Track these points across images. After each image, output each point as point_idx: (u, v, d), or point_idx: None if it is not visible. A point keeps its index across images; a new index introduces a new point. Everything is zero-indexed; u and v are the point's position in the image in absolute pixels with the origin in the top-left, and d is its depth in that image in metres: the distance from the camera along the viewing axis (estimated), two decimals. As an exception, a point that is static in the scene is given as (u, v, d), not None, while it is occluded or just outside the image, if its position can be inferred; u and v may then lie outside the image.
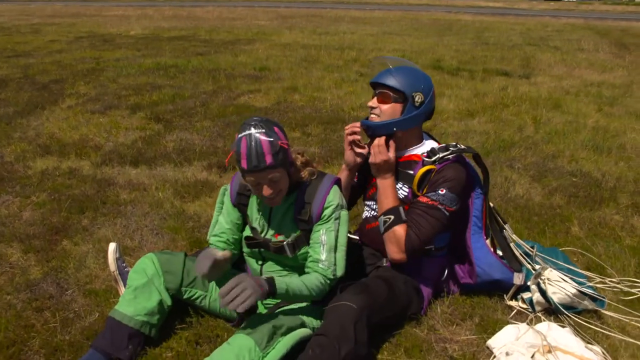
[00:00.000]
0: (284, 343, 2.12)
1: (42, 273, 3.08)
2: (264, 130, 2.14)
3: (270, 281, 2.13)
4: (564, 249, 3.21)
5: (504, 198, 4.12)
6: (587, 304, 2.64)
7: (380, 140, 2.53)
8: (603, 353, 2.33)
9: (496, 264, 2.63)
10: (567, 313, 2.61)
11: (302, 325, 2.28)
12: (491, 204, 2.75)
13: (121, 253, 2.82)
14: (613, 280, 2.91)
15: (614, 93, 8.07)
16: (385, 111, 2.53)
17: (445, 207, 2.46)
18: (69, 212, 3.82)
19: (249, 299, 1.99)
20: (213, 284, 2.56)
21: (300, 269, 2.47)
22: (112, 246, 2.73)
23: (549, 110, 6.91)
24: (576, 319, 2.60)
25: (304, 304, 2.45)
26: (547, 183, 4.46)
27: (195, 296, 2.53)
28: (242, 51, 12.07)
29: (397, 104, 2.52)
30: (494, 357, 2.33)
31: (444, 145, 2.59)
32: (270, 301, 2.40)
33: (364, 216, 2.86)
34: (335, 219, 2.35)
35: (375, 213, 2.72)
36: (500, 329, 2.51)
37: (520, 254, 2.78)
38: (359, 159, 2.72)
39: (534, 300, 2.69)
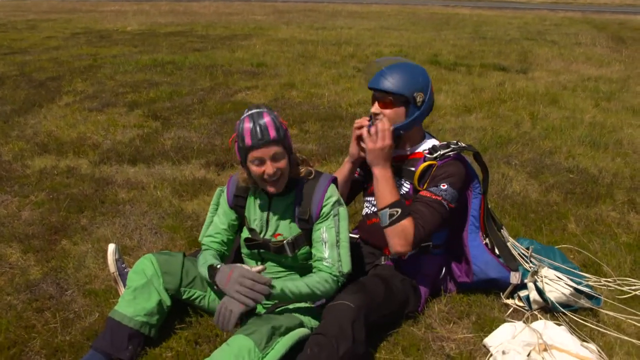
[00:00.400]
0: (283, 343, 2.14)
1: (41, 273, 3.10)
2: (265, 110, 2.24)
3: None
4: (560, 246, 3.23)
5: (500, 195, 4.14)
6: (583, 302, 2.66)
7: (384, 124, 2.47)
8: (598, 351, 2.35)
9: (492, 263, 2.65)
10: (563, 311, 2.63)
11: (301, 325, 2.30)
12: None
13: (120, 254, 2.84)
14: (609, 280, 2.92)
15: (611, 88, 8.08)
16: (389, 116, 2.51)
17: (448, 203, 2.48)
18: (68, 212, 3.83)
19: (231, 316, 2.10)
20: (212, 284, 2.57)
21: (300, 270, 2.49)
22: (111, 247, 2.75)
23: (546, 105, 6.93)
24: (572, 317, 2.62)
25: (302, 304, 2.47)
26: (544, 179, 4.49)
27: (195, 296, 2.54)
28: (239, 47, 12.06)
29: (399, 108, 2.51)
30: (491, 355, 2.36)
31: (445, 142, 2.60)
32: (269, 302, 2.42)
33: (364, 212, 2.88)
34: (334, 216, 2.37)
35: (376, 209, 2.73)
36: (497, 327, 2.53)
37: (518, 253, 2.80)
38: (362, 153, 2.69)
39: (531, 299, 2.71)
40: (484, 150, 5.16)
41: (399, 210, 2.42)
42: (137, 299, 2.40)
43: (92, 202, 3.99)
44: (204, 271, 2.35)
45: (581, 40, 13.70)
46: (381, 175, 2.49)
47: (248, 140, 2.19)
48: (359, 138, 2.63)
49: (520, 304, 2.74)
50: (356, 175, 2.88)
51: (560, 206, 3.98)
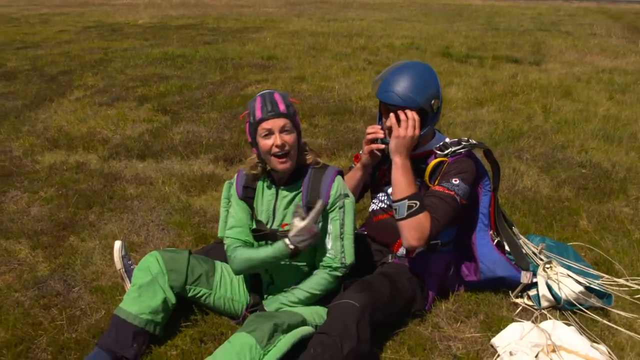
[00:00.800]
0: (285, 341, 2.13)
1: (49, 270, 3.11)
2: (275, 90, 2.36)
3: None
4: (571, 243, 3.17)
5: (511, 190, 4.09)
6: (594, 300, 2.61)
7: (414, 115, 2.38)
8: (609, 352, 2.31)
9: (500, 261, 2.61)
10: (573, 309, 2.59)
11: (304, 323, 2.29)
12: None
13: (127, 250, 2.83)
14: (620, 280, 2.86)
15: (626, 80, 7.95)
16: None
17: (460, 199, 2.43)
18: (77, 208, 3.84)
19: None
20: (218, 282, 2.57)
21: (306, 261, 2.48)
22: (117, 244, 2.74)
23: (559, 98, 6.82)
24: (582, 316, 2.58)
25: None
26: (556, 174, 4.42)
27: (200, 294, 2.53)
28: (250, 39, 12.03)
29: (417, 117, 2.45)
30: (498, 356, 2.32)
31: (456, 139, 2.56)
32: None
33: (370, 209, 2.84)
34: (340, 208, 2.39)
35: (384, 205, 2.70)
36: (505, 326, 2.50)
37: (528, 251, 2.76)
38: (375, 157, 2.64)
39: (540, 297, 2.67)
40: (494, 144, 5.10)
41: (418, 203, 2.35)
42: (142, 296, 2.40)
43: (101, 197, 4.00)
44: (265, 254, 2.38)
45: (596, 30, 13.50)
46: (402, 165, 2.40)
47: (258, 114, 2.27)
48: (372, 150, 2.58)
49: (530, 302, 2.70)
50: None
51: (571, 202, 3.92)
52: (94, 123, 5.93)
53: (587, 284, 2.63)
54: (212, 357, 2.11)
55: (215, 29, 14.46)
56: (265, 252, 2.37)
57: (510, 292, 2.77)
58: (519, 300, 2.72)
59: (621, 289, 2.78)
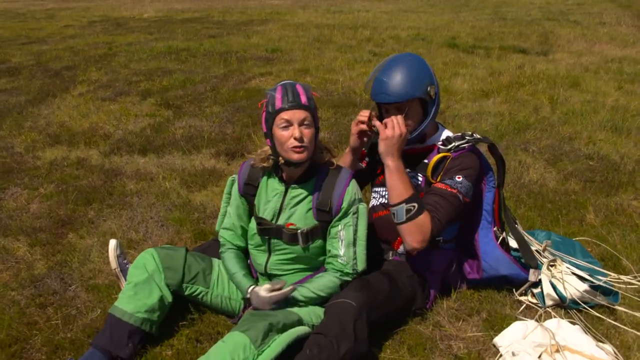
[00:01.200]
0: (280, 341, 2.07)
1: (47, 268, 3.08)
2: (297, 82, 2.27)
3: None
4: (577, 238, 3.09)
5: (517, 184, 4.01)
6: (600, 298, 2.55)
7: (399, 117, 2.34)
8: (614, 352, 2.24)
9: (503, 259, 2.55)
10: (578, 308, 2.53)
11: (300, 322, 2.23)
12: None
13: (122, 249, 2.80)
14: (626, 277, 2.78)
15: (636, 69, 7.78)
16: (414, 122, 2.42)
17: (463, 197, 2.38)
18: (76, 204, 3.81)
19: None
20: (215, 280, 2.52)
21: (309, 265, 2.43)
22: (112, 243, 2.71)
23: (566, 89, 6.70)
24: (587, 315, 2.52)
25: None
26: (563, 167, 4.33)
27: (197, 292, 2.49)
28: (255, 32, 11.95)
29: (417, 109, 2.41)
30: (500, 356, 2.26)
31: (459, 134, 2.50)
32: None
33: (370, 205, 2.77)
34: (354, 214, 2.32)
35: (385, 201, 2.64)
36: (508, 325, 2.44)
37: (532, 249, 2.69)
38: (363, 142, 2.59)
39: (544, 294, 2.60)
40: (500, 136, 5.01)
41: (416, 206, 2.30)
42: (137, 294, 2.36)
43: (100, 194, 3.96)
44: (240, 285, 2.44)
45: (605, 19, 13.26)
46: (394, 167, 2.33)
47: (278, 104, 2.18)
48: (362, 132, 2.53)
49: (534, 300, 2.64)
50: (363, 165, 2.79)
51: (578, 195, 3.83)
52: (97, 118, 5.89)
53: (593, 282, 2.56)
54: (205, 356, 2.06)
55: (220, 22, 14.38)
56: (236, 275, 2.44)
57: (514, 289, 2.70)
58: (522, 298, 2.66)
59: (628, 286, 2.70)
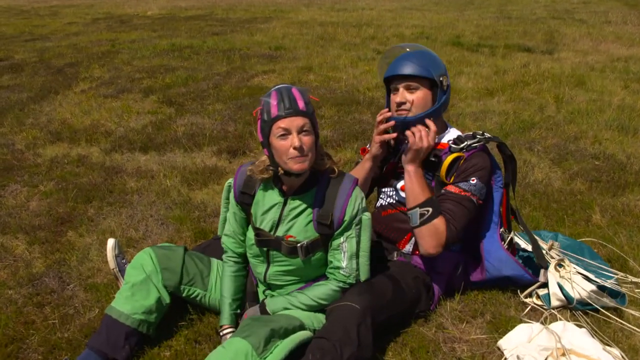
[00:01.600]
0: (282, 347, 2.01)
1: (45, 266, 3.04)
2: (293, 85, 2.13)
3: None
4: (583, 239, 3.04)
5: (521, 183, 3.95)
6: (607, 300, 2.49)
7: (431, 126, 2.36)
8: (622, 355, 2.19)
9: (507, 260, 2.49)
10: (585, 309, 2.48)
11: (301, 327, 2.17)
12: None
13: (121, 249, 2.76)
14: (635, 278, 2.73)
15: (642, 69, 7.73)
16: (418, 102, 2.39)
17: (477, 199, 2.37)
18: (76, 202, 3.77)
19: None
20: (213, 283, 2.48)
21: (309, 276, 2.35)
22: (110, 243, 2.67)
23: (572, 88, 6.63)
24: (594, 317, 2.47)
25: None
26: (568, 167, 4.27)
27: (195, 294, 2.45)
28: (259, 30, 11.91)
29: (427, 92, 2.39)
30: (505, 359, 2.21)
31: (470, 133, 2.49)
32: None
33: (378, 204, 2.74)
34: (356, 225, 2.21)
35: (393, 200, 2.61)
36: (512, 327, 2.39)
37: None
38: (384, 150, 2.57)
39: (551, 295, 2.55)
40: (505, 135, 4.96)
41: (430, 210, 2.30)
42: (135, 295, 2.31)
43: (101, 191, 3.93)
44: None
45: (611, 18, 13.17)
46: (414, 172, 2.37)
47: (274, 111, 2.03)
48: (383, 142, 2.51)
49: (539, 302, 2.58)
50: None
51: (584, 195, 3.78)
52: (98, 115, 5.86)
53: (600, 283, 2.51)
54: (204, 361, 2.02)
55: (224, 19, 14.35)
56: (223, 301, 2.39)
57: (518, 290, 2.65)
58: (527, 300, 2.60)
59: (637, 289, 2.65)
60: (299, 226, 2.24)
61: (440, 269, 2.58)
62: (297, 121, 2.04)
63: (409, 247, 2.58)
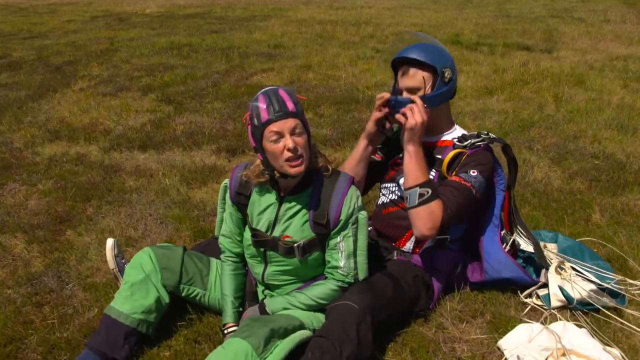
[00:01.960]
0: (282, 347, 2.01)
1: (44, 265, 3.03)
2: (280, 86, 2.11)
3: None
4: (583, 239, 3.04)
5: (521, 183, 3.94)
6: (607, 300, 2.49)
7: (418, 100, 2.34)
8: (622, 356, 2.19)
9: (506, 262, 2.50)
10: (585, 309, 2.48)
11: (301, 327, 2.17)
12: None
13: (120, 249, 2.75)
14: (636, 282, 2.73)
15: (641, 67, 7.72)
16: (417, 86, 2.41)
17: (476, 192, 2.36)
18: (74, 201, 3.76)
19: None
20: (212, 282, 2.47)
21: (307, 276, 2.35)
22: (109, 243, 2.66)
23: (571, 87, 6.62)
24: (594, 318, 2.47)
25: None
26: (568, 166, 4.27)
27: (194, 294, 2.44)
28: (257, 28, 11.88)
29: (427, 76, 2.39)
30: (505, 359, 2.21)
31: (475, 132, 2.50)
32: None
33: (380, 202, 2.74)
34: (353, 225, 2.22)
35: (395, 197, 2.61)
36: (512, 327, 2.38)
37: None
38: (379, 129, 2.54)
39: (551, 295, 2.55)
40: (504, 134, 4.95)
41: (429, 191, 2.28)
42: (134, 295, 2.30)
43: (99, 190, 3.92)
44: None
45: (610, 17, 13.15)
46: (414, 151, 2.33)
47: (264, 115, 2.02)
48: (379, 120, 2.48)
49: (539, 302, 2.58)
50: (378, 158, 2.73)
51: (584, 195, 3.77)
52: (97, 114, 5.85)
53: (599, 282, 2.51)
54: (203, 362, 2.01)
55: (222, 17, 14.31)
56: (225, 299, 2.40)
57: (518, 291, 2.65)
58: (527, 300, 2.60)
59: (635, 290, 2.65)
60: (296, 226, 2.24)
61: (439, 267, 2.58)
62: (289, 123, 2.03)
63: (409, 245, 2.58)
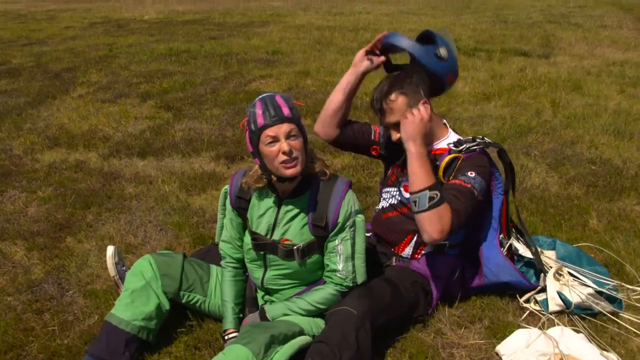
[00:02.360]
0: (283, 353, 2.03)
1: (44, 272, 3.05)
2: (276, 93, 2.17)
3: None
4: (580, 244, 3.06)
5: (519, 188, 3.96)
6: (604, 304, 2.51)
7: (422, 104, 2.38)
8: (619, 360, 2.21)
9: (505, 266, 2.52)
10: (583, 314, 2.50)
11: (301, 333, 2.19)
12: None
13: (120, 256, 2.77)
14: (634, 287, 2.74)
15: (638, 73, 7.73)
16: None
17: (477, 194, 2.35)
18: (74, 208, 3.78)
19: None
20: (213, 288, 2.49)
21: (306, 279, 2.37)
22: (110, 250, 2.68)
23: (568, 92, 6.66)
24: (592, 323, 2.48)
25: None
26: (565, 172, 4.30)
27: (194, 300, 2.46)
28: (256, 34, 11.92)
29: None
30: (503, 365, 2.23)
31: (470, 137, 2.51)
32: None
33: (380, 206, 2.75)
34: (350, 228, 2.25)
35: (395, 202, 2.62)
36: (510, 332, 2.40)
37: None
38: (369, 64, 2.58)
39: (549, 300, 2.57)
40: (502, 140, 4.97)
41: (438, 194, 2.24)
42: (135, 302, 2.32)
43: (99, 197, 3.93)
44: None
45: (607, 22, 13.23)
46: (417, 153, 2.30)
47: (260, 120, 2.07)
48: (371, 51, 2.54)
49: (537, 307, 2.60)
50: (374, 154, 2.76)
51: (581, 200, 3.80)
52: (96, 120, 5.86)
53: (597, 287, 2.53)
54: (204, 367, 2.03)
55: (221, 23, 14.36)
56: (225, 305, 2.42)
57: (517, 295, 2.67)
58: (526, 305, 2.62)
59: (633, 295, 2.67)
60: (295, 229, 2.27)
61: (438, 273, 2.59)
62: (284, 128, 2.08)
63: (408, 250, 2.60)
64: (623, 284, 2.73)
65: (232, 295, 2.43)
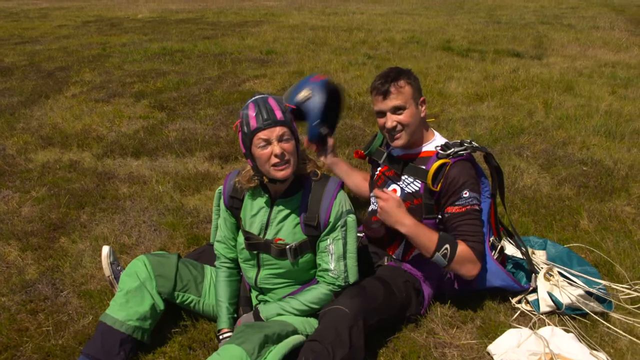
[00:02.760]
0: (276, 352, 2.05)
1: (38, 273, 3.05)
2: (269, 95, 2.19)
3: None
4: (571, 245, 3.10)
5: (511, 189, 4.01)
6: (594, 305, 2.54)
7: (378, 192, 2.47)
8: (608, 359, 2.24)
9: (496, 272, 2.54)
10: (573, 314, 2.53)
11: (295, 332, 2.22)
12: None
13: (115, 256, 2.77)
14: (621, 286, 2.78)
15: (629, 74, 7.81)
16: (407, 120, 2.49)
17: (477, 206, 2.43)
18: (68, 208, 3.78)
19: None
20: (207, 289, 2.51)
21: (299, 279, 2.40)
22: (105, 250, 2.68)
23: (560, 93, 6.71)
24: (581, 322, 2.52)
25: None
26: (557, 172, 4.33)
27: (189, 301, 2.48)
28: (250, 34, 11.92)
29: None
30: (494, 364, 2.26)
31: (457, 141, 2.53)
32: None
33: (370, 209, 2.79)
34: (342, 227, 2.28)
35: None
36: (502, 332, 2.43)
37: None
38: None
39: (540, 300, 2.60)
40: (494, 141, 5.01)
41: (448, 246, 2.36)
42: (129, 302, 2.34)
43: (93, 197, 3.93)
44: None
45: (599, 23, 13.32)
46: (409, 232, 2.40)
47: (253, 123, 2.10)
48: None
49: (528, 308, 2.63)
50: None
51: (572, 201, 3.83)
52: (90, 120, 5.86)
53: (587, 288, 2.56)
54: (199, 367, 2.05)
55: (215, 23, 14.34)
56: (220, 305, 2.44)
57: (509, 296, 2.70)
58: (518, 305, 2.65)
59: (621, 295, 2.70)
60: (287, 229, 2.30)
61: (429, 274, 2.62)
62: (276, 131, 2.11)
63: (398, 252, 2.63)
64: (612, 284, 2.76)
65: (226, 295, 2.45)
